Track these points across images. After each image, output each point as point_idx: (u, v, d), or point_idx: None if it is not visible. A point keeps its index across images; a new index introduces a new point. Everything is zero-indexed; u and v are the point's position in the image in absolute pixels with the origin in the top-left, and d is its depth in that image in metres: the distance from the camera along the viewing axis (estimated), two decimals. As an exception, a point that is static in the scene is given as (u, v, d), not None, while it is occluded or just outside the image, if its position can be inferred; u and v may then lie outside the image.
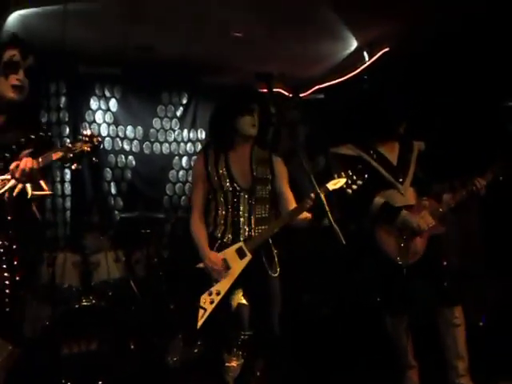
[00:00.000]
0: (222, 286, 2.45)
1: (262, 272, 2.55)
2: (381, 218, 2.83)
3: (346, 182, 2.46)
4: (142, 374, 3.53)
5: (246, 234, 2.58)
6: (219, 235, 2.59)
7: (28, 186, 2.11)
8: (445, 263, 2.89)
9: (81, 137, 2.11)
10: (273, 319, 2.52)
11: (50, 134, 2.52)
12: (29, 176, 2.05)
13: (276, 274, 2.60)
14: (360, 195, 2.75)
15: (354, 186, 2.47)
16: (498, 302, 3.87)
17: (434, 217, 2.83)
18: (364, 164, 2.87)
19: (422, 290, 2.89)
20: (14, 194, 2.08)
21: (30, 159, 2.04)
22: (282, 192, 2.70)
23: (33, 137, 2.26)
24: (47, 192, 2.20)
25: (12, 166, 2.04)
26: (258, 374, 2.56)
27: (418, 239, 2.82)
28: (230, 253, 2.52)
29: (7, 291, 2.15)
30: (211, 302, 2.42)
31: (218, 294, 2.43)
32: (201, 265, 2.53)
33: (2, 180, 2.11)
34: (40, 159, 2.04)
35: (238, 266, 2.47)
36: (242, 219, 2.60)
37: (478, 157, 4.00)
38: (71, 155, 2.06)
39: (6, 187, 2.10)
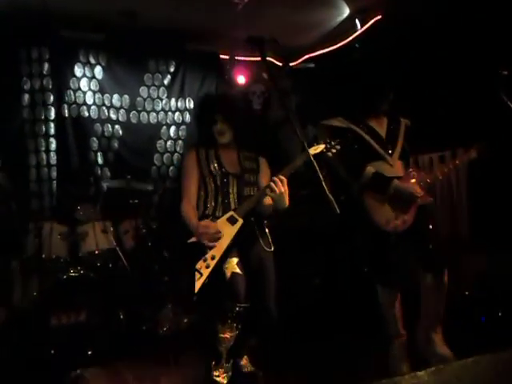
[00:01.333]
0: (217, 251, 2.48)
1: (256, 245, 2.60)
2: (371, 187, 2.87)
3: (326, 147, 2.61)
4: (131, 345, 3.55)
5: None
6: (210, 212, 2.67)
7: None
8: (431, 227, 2.94)
9: None
10: (268, 294, 2.53)
11: None
12: None
13: (271, 249, 2.65)
14: (350, 165, 2.89)
15: (334, 150, 2.62)
16: (485, 272, 3.92)
17: (422, 187, 2.89)
18: (354, 135, 2.93)
19: (409, 256, 2.95)
20: None
21: None
22: (261, 181, 2.82)
23: None
24: None
25: None
26: (251, 344, 2.57)
27: (407, 209, 2.87)
28: (221, 222, 2.58)
29: None
30: (207, 267, 2.44)
31: (212, 258, 2.46)
32: (193, 239, 2.55)
33: None
34: None
35: (230, 230, 2.53)
36: (231, 198, 2.71)
37: (469, 128, 4.01)
38: None
39: None
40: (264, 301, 2.52)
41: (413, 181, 2.92)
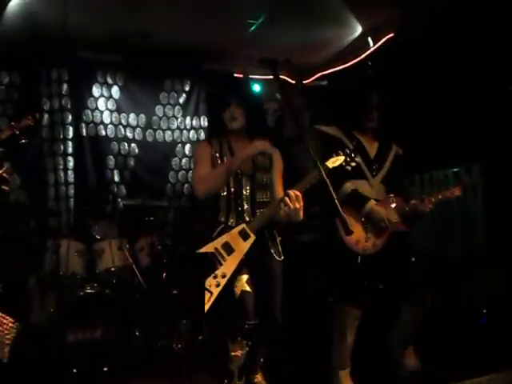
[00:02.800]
0: (228, 269, 2.40)
1: (267, 256, 2.56)
2: (347, 204, 2.80)
3: (345, 160, 2.50)
4: (146, 361, 3.55)
5: (248, 218, 2.60)
6: (222, 219, 2.60)
7: None
8: (412, 259, 2.92)
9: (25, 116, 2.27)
10: (276, 305, 2.50)
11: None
12: None
13: (281, 259, 2.60)
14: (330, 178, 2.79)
15: (353, 164, 2.52)
16: (499, 291, 3.86)
17: (399, 215, 2.88)
18: (342, 147, 2.80)
19: (374, 280, 2.89)
20: None
21: None
22: (274, 185, 2.74)
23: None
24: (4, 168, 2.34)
25: None
26: (262, 360, 2.54)
27: (379, 232, 2.86)
28: (233, 235, 2.49)
29: None
30: (217, 285, 2.37)
31: (223, 276, 2.39)
32: (202, 250, 2.47)
33: None
34: None
35: (242, 247, 2.45)
36: (244, 203, 2.63)
37: (482, 144, 4.00)
38: (18, 131, 2.22)
39: None
40: (270, 309, 2.48)
41: (392, 206, 2.90)
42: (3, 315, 2.27)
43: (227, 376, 2.41)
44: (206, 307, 2.33)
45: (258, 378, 2.59)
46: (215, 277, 2.40)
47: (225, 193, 2.64)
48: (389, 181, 3.00)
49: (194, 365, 3.38)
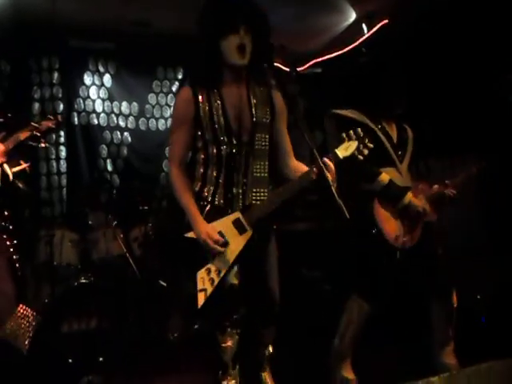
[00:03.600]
0: (222, 265, 2.10)
1: (260, 244, 2.21)
2: (383, 196, 2.63)
3: (357, 147, 2.09)
4: (142, 351, 3.55)
5: (240, 196, 2.15)
6: (209, 198, 2.14)
7: (5, 166, 2.20)
8: (440, 252, 2.78)
9: (47, 117, 2.23)
10: (273, 294, 2.30)
11: (9, 114, 2.56)
12: (3, 158, 2.17)
13: (274, 245, 2.29)
14: (362, 167, 2.56)
15: (366, 151, 2.12)
16: (498, 280, 3.88)
17: (430, 203, 2.73)
18: (369, 132, 2.54)
19: (414, 276, 2.80)
20: None
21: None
22: (280, 141, 2.24)
23: (1, 120, 2.29)
24: (24, 165, 2.29)
25: None
26: (268, 354, 2.41)
27: (414, 224, 2.70)
28: (226, 224, 2.11)
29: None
30: (211, 282, 2.10)
31: (218, 273, 2.10)
32: (189, 234, 2.13)
33: None
34: (10, 141, 2.15)
35: (237, 242, 2.10)
36: (236, 178, 2.14)
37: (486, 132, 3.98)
38: (38, 133, 2.16)
39: None
40: (267, 294, 2.26)
41: (421, 196, 2.73)
42: (26, 308, 2.28)
43: (221, 367, 2.36)
44: (200, 302, 2.12)
45: (265, 376, 2.40)
46: (208, 272, 2.11)
47: (215, 166, 2.14)
48: (412, 166, 2.81)
49: (190, 354, 3.40)
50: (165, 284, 3.62)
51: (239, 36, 2.03)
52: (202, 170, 2.17)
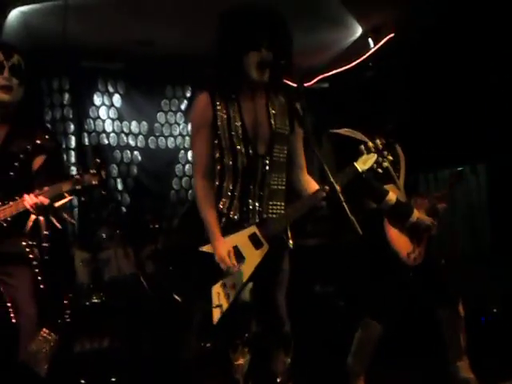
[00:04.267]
0: (237, 280, 2.03)
1: (274, 261, 2.12)
2: (391, 215, 2.58)
3: (377, 160, 2.06)
4: (155, 370, 3.53)
5: (257, 209, 2.07)
6: (224, 211, 2.07)
7: (41, 219, 2.19)
8: (443, 262, 2.81)
9: (89, 169, 2.15)
10: (281, 303, 2.21)
11: (54, 135, 2.52)
12: (42, 210, 2.11)
13: (290, 245, 2.17)
14: (370, 186, 2.54)
15: (385, 164, 2.09)
16: (504, 290, 3.83)
17: (431, 216, 2.71)
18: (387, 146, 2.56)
19: (424, 291, 2.78)
20: (28, 227, 2.18)
21: (41, 197, 2.08)
22: (295, 154, 2.18)
23: (39, 142, 2.25)
24: (68, 198, 2.21)
25: (29, 203, 2.07)
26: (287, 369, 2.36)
27: (420, 240, 2.68)
28: (242, 239, 2.04)
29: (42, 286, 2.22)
30: (227, 297, 2.04)
31: (233, 287, 2.03)
32: (205, 248, 2.08)
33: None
34: (50, 192, 2.09)
35: (253, 257, 2.03)
36: (252, 191, 2.06)
37: (489, 142, 3.97)
38: (79, 187, 2.09)
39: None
40: (275, 304, 2.19)
41: (421, 210, 2.70)
42: (49, 331, 2.26)
43: None
44: (216, 320, 2.05)
45: None
46: (224, 286, 2.04)
47: (231, 179, 2.07)
48: (406, 180, 2.78)
49: (204, 373, 3.36)
50: (179, 299, 3.59)
51: (260, 53, 1.96)
52: (217, 183, 2.10)
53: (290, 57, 2.03)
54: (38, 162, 2.22)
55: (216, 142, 2.08)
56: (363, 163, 2.05)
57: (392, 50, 4.63)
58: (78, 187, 2.07)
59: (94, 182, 2.09)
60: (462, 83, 4.18)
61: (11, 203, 2.10)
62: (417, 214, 2.63)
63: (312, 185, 2.19)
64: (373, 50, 4.83)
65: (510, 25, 3.69)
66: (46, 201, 2.07)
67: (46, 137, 2.29)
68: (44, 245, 2.29)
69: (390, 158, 2.11)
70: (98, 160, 2.16)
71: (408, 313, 3.07)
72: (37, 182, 2.17)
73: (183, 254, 4.03)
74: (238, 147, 2.05)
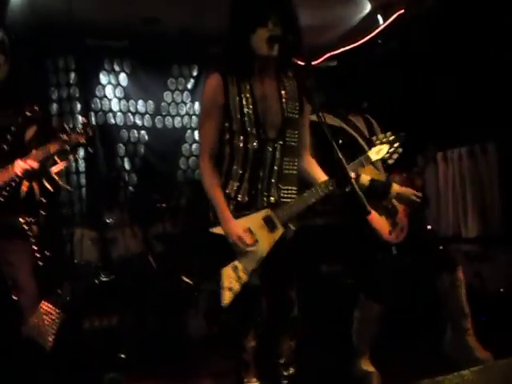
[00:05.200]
0: (250, 263, 2.02)
1: (285, 245, 2.12)
2: (370, 196, 2.46)
3: (388, 152, 2.11)
4: (163, 348, 3.57)
5: (265, 193, 2.08)
6: (232, 194, 2.08)
7: (34, 185, 2.22)
8: (429, 227, 2.81)
9: (75, 128, 2.15)
10: (291, 287, 2.23)
11: (42, 105, 2.54)
12: (34, 174, 2.14)
13: (294, 228, 2.17)
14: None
15: (395, 156, 2.11)
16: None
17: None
18: (346, 136, 2.63)
19: (415, 264, 2.81)
20: (22, 193, 2.21)
21: (29, 161, 2.10)
22: (302, 133, 2.17)
23: (28, 114, 2.26)
24: (62, 164, 2.23)
25: (19, 168, 2.10)
26: (292, 350, 2.38)
27: (401, 216, 2.70)
28: (256, 221, 2.03)
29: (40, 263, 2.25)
30: (238, 280, 2.01)
31: (245, 271, 2.01)
32: (215, 230, 2.07)
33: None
34: (38, 154, 2.10)
35: (267, 240, 2.02)
36: (262, 175, 2.07)
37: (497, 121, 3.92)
38: (68, 147, 2.10)
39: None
40: (284, 287, 2.21)
41: (403, 185, 2.67)
42: (48, 305, 2.31)
43: (243, 366, 2.34)
44: (228, 302, 2.03)
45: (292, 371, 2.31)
46: (235, 269, 2.02)
47: (240, 162, 2.07)
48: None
49: (212, 352, 3.40)
50: (189, 281, 3.62)
51: (268, 29, 1.96)
52: (226, 166, 2.11)
53: (298, 32, 2.03)
54: (30, 132, 2.25)
55: (227, 124, 2.07)
56: (376, 153, 2.09)
57: (402, 27, 4.54)
58: (66, 147, 2.09)
59: (81, 141, 2.11)
60: (471, 60, 4.10)
61: (2, 170, 2.12)
62: (397, 189, 2.59)
63: (314, 166, 2.22)
64: (382, 26, 4.74)
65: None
66: (35, 164, 2.09)
67: (35, 108, 2.30)
68: (41, 212, 2.32)
69: (400, 150, 2.11)
70: (85, 120, 2.19)
71: (409, 291, 3.08)
72: (30, 151, 2.19)
73: (193, 235, 4.06)
74: (250, 130, 2.04)
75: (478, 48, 4.03)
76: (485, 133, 4.09)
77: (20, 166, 2.08)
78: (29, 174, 2.11)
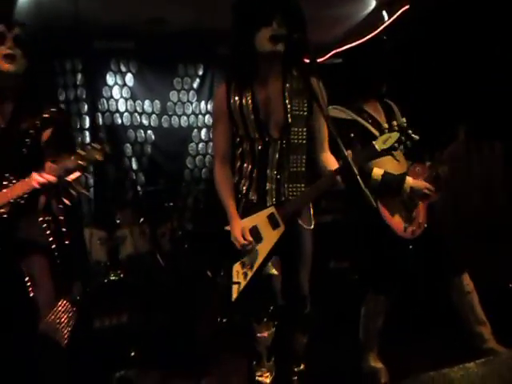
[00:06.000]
0: (255, 260, 2.11)
1: (292, 227, 2.15)
2: (382, 191, 2.50)
3: (398, 139, 1.97)
4: (173, 345, 3.60)
5: (274, 192, 2.14)
6: (244, 191, 2.18)
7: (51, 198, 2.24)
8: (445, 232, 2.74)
9: (93, 145, 2.15)
10: (304, 283, 2.26)
11: (61, 107, 2.51)
12: (51, 188, 2.13)
13: (310, 227, 2.21)
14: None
15: (409, 143, 1.99)
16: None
17: (431, 184, 2.60)
18: (359, 129, 2.54)
19: (429, 263, 2.72)
20: (41, 205, 2.23)
21: (47, 176, 2.08)
22: (318, 131, 2.16)
23: (47, 116, 2.27)
24: (79, 173, 2.21)
25: (37, 182, 2.08)
26: (303, 346, 2.39)
27: (419, 210, 2.62)
28: (261, 219, 2.11)
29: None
30: (244, 275, 2.11)
31: (251, 267, 2.10)
32: (229, 227, 2.16)
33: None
34: (54, 168, 2.09)
35: (270, 237, 2.10)
36: (269, 174, 2.13)
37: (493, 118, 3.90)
38: (84, 164, 2.11)
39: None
40: (298, 288, 2.24)
41: (420, 178, 2.60)
42: (66, 303, 2.33)
43: (256, 358, 2.35)
44: (234, 298, 2.13)
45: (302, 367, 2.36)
46: (243, 265, 2.12)
47: (249, 162, 2.17)
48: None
49: (222, 347, 3.42)
50: (211, 274, 3.66)
51: (272, 28, 1.98)
52: (238, 164, 2.21)
53: (303, 31, 2.04)
54: (47, 134, 2.25)
55: (234, 129, 2.17)
56: (383, 142, 1.99)
57: (407, 23, 4.53)
58: (82, 163, 2.09)
59: (98, 157, 2.12)
60: (477, 58, 4.08)
61: (19, 182, 2.12)
62: (410, 183, 2.55)
63: (331, 163, 2.17)
64: (387, 23, 4.74)
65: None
66: (53, 179, 2.10)
67: (53, 109, 2.31)
68: (60, 218, 2.33)
69: (416, 136, 1.99)
70: (102, 136, 2.20)
71: (417, 287, 3.07)
72: (46, 153, 2.19)
73: (207, 232, 4.07)
74: (253, 135, 2.12)
75: (484, 44, 4.01)
76: (492, 130, 4.07)
77: (36, 179, 2.08)
78: (47, 188, 2.11)
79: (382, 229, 2.58)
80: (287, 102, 2.11)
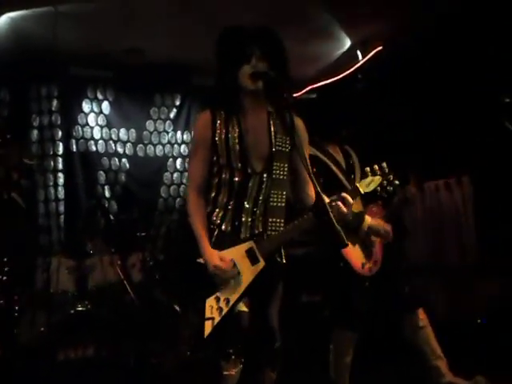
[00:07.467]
0: (231, 295, 2.04)
1: (269, 277, 2.11)
2: (342, 228, 2.59)
3: (381, 183, 2.04)
4: (139, 379, 3.50)
5: (249, 225, 2.11)
6: (217, 222, 2.13)
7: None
8: (401, 267, 2.84)
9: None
10: (274, 320, 2.22)
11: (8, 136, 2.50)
12: None
13: (283, 261, 2.18)
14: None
15: (390, 188, 2.05)
16: (495, 299, 3.87)
17: (387, 223, 2.71)
18: (321, 165, 2.64)
19: (385, 299, 2.80)
20: None
21: None
22: (301, 168, 2.15)
23: None
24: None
25: None
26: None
27: (376, 248, 2.71)
28: (239, 253, 2.06)
29: None
30: (219, 311, 2.03)
31: (226, 302, 2.03)
32: (202, 260, 2.08)
33: None
34: None
35: (248, 273, 2.04)
36: (246, 207, 2.10)
37: (473, 155, 4.03)
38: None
39: None
40: (269, 325, 2.20)
41: (377, 217, 2.69)
42: None
43: None
44: (206, 333, 2.04)
45: None
46: (217, 300, 2.05)
47: (226, 193, 2.12)
48: None
49: (189, 382, 3.34)
50: (178, 309, 3.58)
51: (252, 65, 2.03)
52: (213, 195, 2.16)
53: (283, 66, 2.10)
54: None
55: (215, 158, 2.14)
56: (366, 186, 2.04)
57: (380, 62, 4.69)
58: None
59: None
60: (446, 96, 4.23)
61: None
62: (368, 222, 2.60)
63: (311, 198, 2.16)
64: (361, 62, 4.89)
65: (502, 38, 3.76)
66: None
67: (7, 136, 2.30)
68: None
69: (397, 182, 2.05)
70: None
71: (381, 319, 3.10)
72: None
73: (180, 264, 4.01)
74: (235, 165, 2.10)
75: (453, 82, 4.17)
76: (459, 166, 4.20)
77: None
78: None
79: (343, 265, 2.63)
80: (272, 135, 2.13)
